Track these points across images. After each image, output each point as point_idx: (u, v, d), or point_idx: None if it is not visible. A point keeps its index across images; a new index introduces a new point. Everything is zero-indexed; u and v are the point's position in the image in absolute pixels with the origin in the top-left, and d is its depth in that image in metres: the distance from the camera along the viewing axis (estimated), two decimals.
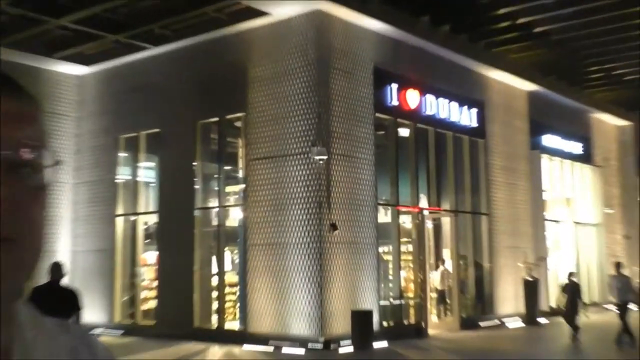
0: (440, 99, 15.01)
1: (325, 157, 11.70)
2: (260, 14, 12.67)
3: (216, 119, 13.82)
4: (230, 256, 14.17)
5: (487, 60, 16.44)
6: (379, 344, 11.95)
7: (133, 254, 15.07)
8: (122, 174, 15.51)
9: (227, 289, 13.64)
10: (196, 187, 13.96)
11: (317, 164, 11.79)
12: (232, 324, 13.33)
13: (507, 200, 17.14)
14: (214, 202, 13.94)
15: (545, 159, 18.88)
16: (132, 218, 15.15)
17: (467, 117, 15.85)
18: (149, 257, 15.02)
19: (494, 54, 16.63)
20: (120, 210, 15.33)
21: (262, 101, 12.90)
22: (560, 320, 13.30)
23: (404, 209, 14.21)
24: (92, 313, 14.28)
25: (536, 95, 18.66)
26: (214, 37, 13.83)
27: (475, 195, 16.21)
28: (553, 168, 19.53)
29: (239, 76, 13.22)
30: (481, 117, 16.39)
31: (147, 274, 14.98)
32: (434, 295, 15.24)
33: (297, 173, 12.17)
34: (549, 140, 19.15)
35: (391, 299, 13.65)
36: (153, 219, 14.90)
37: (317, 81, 12.18)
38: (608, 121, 22.45)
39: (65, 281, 6.87)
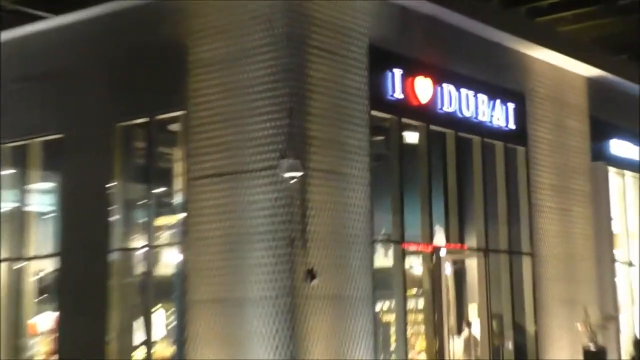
0: (463, 90, 15.48)
1: (299, 174, 11.97)
2: None
3: (143, 119, 14.09)
4: (162, 318, 14.32)
5: (529, 35, 17.01)
6: None
7: (18, 317, 15.15)
8: (4, 201, 15.62)
9: None
10: (114, 218, 14.18)
11: (288, 184, 12.05)
12: None
13: (560, 233, 17.65)
14: (139, 241, 14.15)
15: (613, 173, 19.48)
16: (18, 265, 15.25)
17: (501, 115, 16.37)
18: (43, 321, 15.10)
19: (538, 26, 17.22)
20: (1, 253, 15.41)
21: (209, 94, 13.21)
22: None
23: (412, 248, 14.57)
24: None
25: (599, 83, 19.30)
26: (141, 3, 14.14)
27: (514, 226, 16.69)
28: (625, 187, 20.08)
29: (176, 59, 13.53)
30: (521, 116, 16.92)
31: (40, 347, 15.04)
32: None
33: (259, 197, 12.44)
34: (619, 147, 19.76)
35: None
36: (50, 266, 15.01)
37: (287, 66, 12.50)
38: None
39: None
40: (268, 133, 12.46)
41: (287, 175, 11.93)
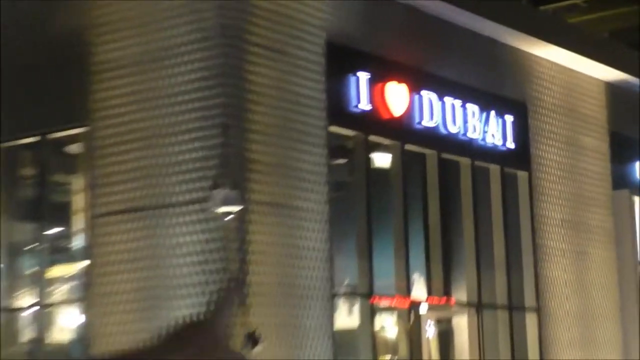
0: (448, 99, 15.71)
1: (237, 209, 11.96)
2: None
3: (32, 139, 14.08)
4: None
5: (532, 28, 17.27)
6: None
7: None
8: None
9: None
10: None
11: (223, 222, 12.05)
12: None
13: (573, 283, 17.80)
14: (27, 298, 14.03)
15: None
16: None
17: (496, 130, 16.61)
18: None
19: (543, 17, 17.39)
20: None
21: (119, 106, 13.26)
22: None
23: (384, 303, 14.65)
24: None
25: (621, 89, 19.60)
26: None
27: (515, 274, 16.82)
28: None
29: (76, 60, 13.55)
30: (522, 131, 17.18)
31: None
32: None
33: (184, 239, 12.49)
34: None
35: None
36: None
37: (221, 69, 12.66)
38: None
39: None
40: (196, 156, 12.54)
41: (222, 210, 11.90)
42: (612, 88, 19.52)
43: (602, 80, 19.36)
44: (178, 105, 12.81)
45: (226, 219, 11.99)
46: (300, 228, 13.24)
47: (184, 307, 12.33)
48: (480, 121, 16.36)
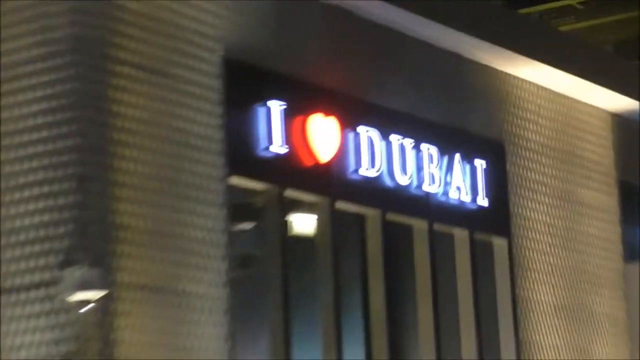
0: (396, 138, 15.86)
1: (98, 295, 11.94)
2: None
3: None
4: None
5: (510, 39, 17.54)
6: None
7: None
8: None
9: None
10: None
11: (78, 314, 11.99)
12: None
13: None
14: None
15: None
16: None
17: (462, 182, 16.81)
18: None
19: (527, 24, 17.58)
20: None
21: None
22: None
23: None
24: None
25: (633, 123, 19.92)
26: None
27: None
28: None
29: None
30: (498, 183, 17.40)
31: None
32: None
33: (23, 339, 12.33)
34: None
35: None
36: None
37: (75, 98, 12.58)
38: None
39: None
40: (41, 221, 12.46)
41: (77, 297, 11.90)
42: (621, 121, 19.85)
43: (607, 111, 19.69)
44: (14, 150, 12.75)
45: (83, 309, 11.97)
46: (188, 322, 13.18)
47: None
48: (441, 168, 16.55)
